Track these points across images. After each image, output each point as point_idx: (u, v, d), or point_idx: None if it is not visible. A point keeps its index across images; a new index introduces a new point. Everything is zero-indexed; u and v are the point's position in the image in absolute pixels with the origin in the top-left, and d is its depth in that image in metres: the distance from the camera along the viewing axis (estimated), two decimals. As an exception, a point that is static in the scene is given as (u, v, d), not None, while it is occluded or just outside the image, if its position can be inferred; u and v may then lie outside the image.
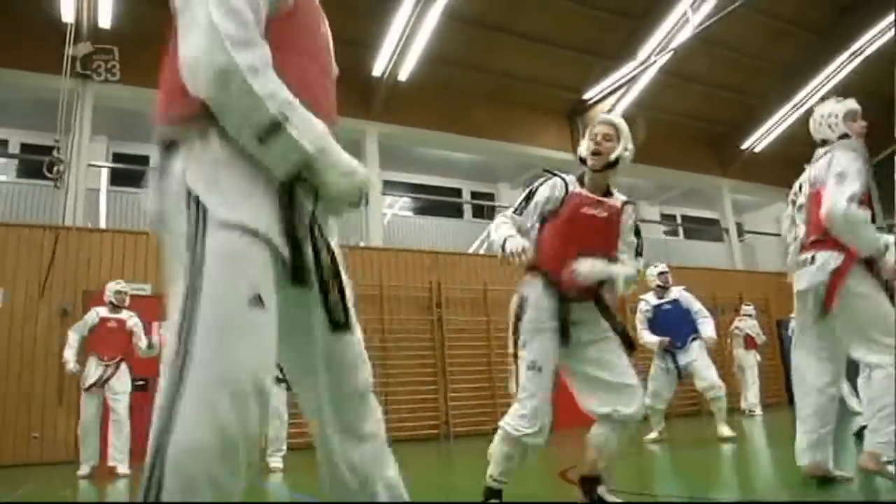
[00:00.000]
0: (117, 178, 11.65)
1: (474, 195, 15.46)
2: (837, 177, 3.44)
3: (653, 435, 7.40)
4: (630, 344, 3.27)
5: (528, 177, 15.52)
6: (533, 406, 3.12)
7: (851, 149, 3.57)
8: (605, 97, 13.52)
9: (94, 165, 10.50)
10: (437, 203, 14.98)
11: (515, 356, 3.25)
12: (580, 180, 3.31)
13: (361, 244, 11.43)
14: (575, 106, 13.86)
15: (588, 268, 3.11)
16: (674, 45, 12.36)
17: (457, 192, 15.37)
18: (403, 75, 11.60)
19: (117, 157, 12.13)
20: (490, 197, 15.47)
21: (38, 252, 9.05)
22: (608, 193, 3.32)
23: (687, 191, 16.76)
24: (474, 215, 15.36)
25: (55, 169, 8.61)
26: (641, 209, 17.43)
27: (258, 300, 1.32)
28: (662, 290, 7.62)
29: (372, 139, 12.10)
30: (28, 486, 6.36)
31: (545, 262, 3.24)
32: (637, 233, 3.38)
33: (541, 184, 3.36)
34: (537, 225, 3.31)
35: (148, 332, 7.48)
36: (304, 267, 1.41)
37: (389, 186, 14.46)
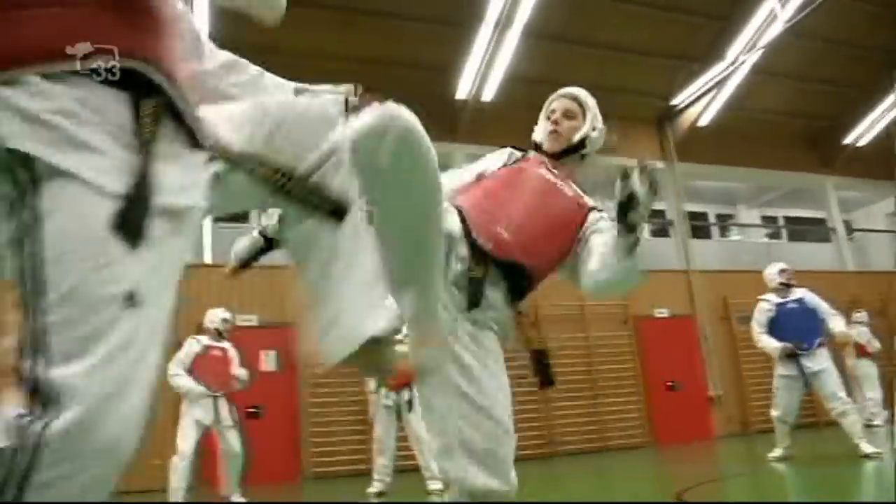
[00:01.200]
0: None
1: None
2: None
3: (778, 452, 6.84)
4: (547, 377, 2.55)
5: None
6: None
7: None
8: (694, 101, 13.19)
9: (198, 205, 11.03)
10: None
11: None
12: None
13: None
14: (664, 113, 13.58)
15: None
16: (763, 42, 11.95)
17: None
18: (487, 96, 11.69)
19: (219, 196, 12.71)
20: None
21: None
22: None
23: (788, 191, 16.09)
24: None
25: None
26: (740, 213, 16.87)
27: None
28: (786, 288, 6.89)
29: (461, 160, 12.21)
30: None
31: (465, 200, 2.37)
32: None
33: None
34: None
35: (255, 362, 7.64)
36: None
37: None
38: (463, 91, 11.65)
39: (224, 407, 6.98)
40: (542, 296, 10.98)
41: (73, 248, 0.95)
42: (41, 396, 0.89)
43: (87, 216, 0.98)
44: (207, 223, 11.82)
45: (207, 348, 7.17)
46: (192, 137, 1.16)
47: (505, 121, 12.18)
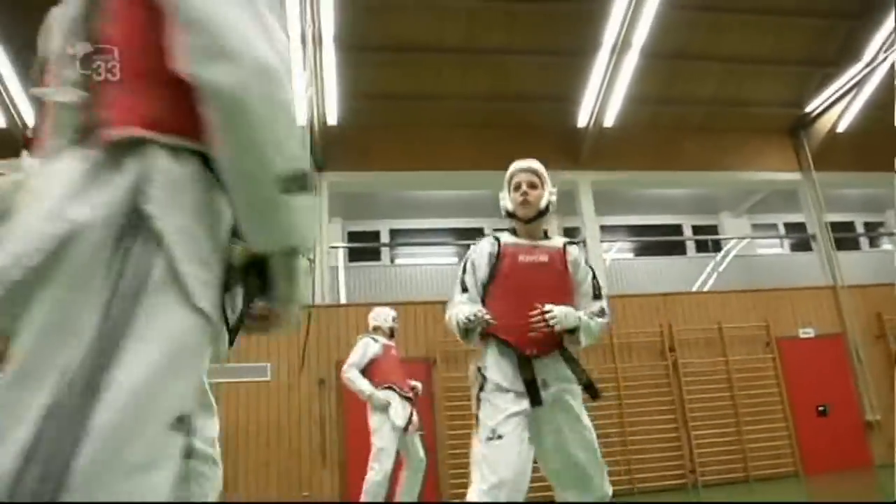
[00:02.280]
0: (352, 255, 12.79)
1: (696, 230, 14.90)
2: None
3: None
4: (594, 392, 3.06)
5: (752, 203, 14.70)
6: (489, 483, 2.78)
7: None
8: (830, 106, 12.50)
9: (333, 247, 11.63)
10: (658, 243, 14.64)
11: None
12: (513, 232, 3.24)
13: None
14: (797, 121, 12.95)
15: (563, 311, 2.96)
16: (905, 38, 11.21)
17: (677, 229, 14.91)
18: (608, 121, 11.63)
19: (351, 237, 13.33)
20: (713, 230, 14.81)
21: (296, 329, 10.14)
22: (546, 238, 3.25)
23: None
24: (698, 250, 14.78)
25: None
26: (889, 221, 15.74)
27: None
28: None
29: (585, 188, 12.19)
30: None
31: (496, 328, 3.03)
32: (592, 274, 3.23)
33: (472, 252, 3.25)
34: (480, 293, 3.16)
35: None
36: None
37: (607, 232, 14.40)
38: (583, 119, 11.65)
39: (413, 409, 6.37)
40: (678, 320, 10.75)
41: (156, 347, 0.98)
42: None
43: (177, 324, 1.01)
44: (341, 264, 12.45)
45: (386, 347, 6.49)
46: None
47: (628, 144, 12.13)
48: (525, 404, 2.93)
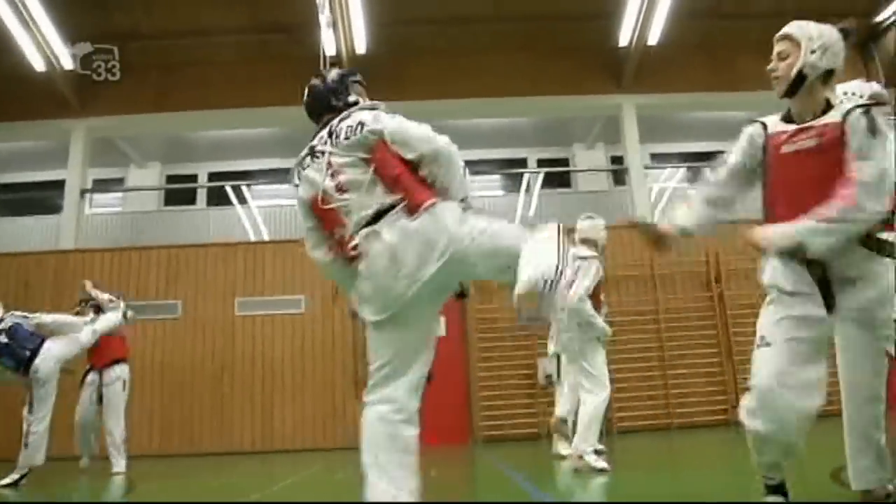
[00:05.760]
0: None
1: (757, 154, 14.02)
2: None
3: None
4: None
5: (819, 124, 13.68)
6: (757, 391, 2.54)
7: None
8: (905, 15, 11.37)
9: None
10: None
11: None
12: (785, 117, 2.70)
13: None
14: (868, 33, 11.84)
15: (775, 233, 2.50)
16: None
17: (736, 154, 14.05)
18: (653, 39, 10.88)
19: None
20: (775, 153, 13.92)
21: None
22: (826, 111, 2.59)
23: None
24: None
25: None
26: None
27: None
28: None
29: (629, 113, 11.57)
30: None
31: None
32: (869, 131, 2.48)
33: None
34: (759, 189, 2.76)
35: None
36: None
37: (658, 159, 13.71)
38: (625, 37, 10.94)
39: None
40: (725, 250, 10.18)
41: None
42: None
43: None
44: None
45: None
46: None
47: (675, 64, 11.39)
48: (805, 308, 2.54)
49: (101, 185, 13.56)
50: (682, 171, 14.10)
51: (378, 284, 2.55)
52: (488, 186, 14.39)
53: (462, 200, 2.56)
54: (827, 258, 2.50)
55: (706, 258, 10.20)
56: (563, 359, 6.31)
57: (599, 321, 5.41)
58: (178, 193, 13.76)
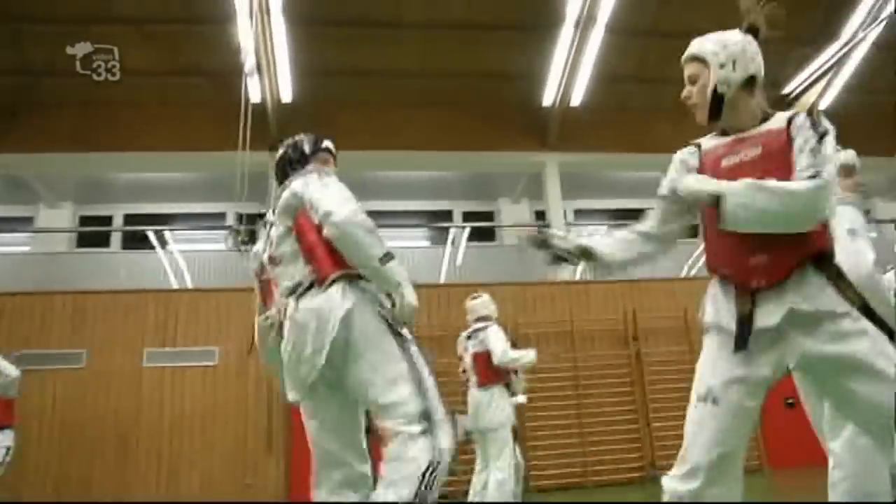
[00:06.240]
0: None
1: (674, 213, 14.47)
2: None
3: None
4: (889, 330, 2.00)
5: (732, 186, 14.25)
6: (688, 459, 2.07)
7: None
8: (809, 86, 12.06)
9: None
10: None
11: None
12: (721, 132, 2.31)
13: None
14: (776, 102, 12.46)
15: (690, 180, 2.10)
16: (884, 14, 10.74)
17: (654, 213, 14.47)
18: (576, 100, 11.21)
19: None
20: (692, 214, 14.40)
21: (245, 313, 9.82)
22: (764, 120, 2.21)
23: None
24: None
25: (238, 238, 9.27)
26: (876, 208, 15.30)
27: None
28: None
29: (552, 171, 11.81)
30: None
31: (709, 259, 2.23)
32: (816, 133, 2.06)
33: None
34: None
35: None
36: None
37: (582, 214, 14.01)
38: (549, 98, 11.23)
39: None
40: (643, 307, 10.35)
41: None
42: None
43: None
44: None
45: None
46: None
47: (597, 125, 11.71)
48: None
49: (7, 225, 12.95)
50: (605, 227, 14.44)
51: (287, 366, 2.53)
52: (414, 237, 14.39)
53: (383, 257, 2.46)
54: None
55: (623, 316, 10.37)
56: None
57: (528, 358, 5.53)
58: (92, 235, 13.25)
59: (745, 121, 2.21)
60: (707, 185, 2.04)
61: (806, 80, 11.93)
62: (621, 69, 11.14)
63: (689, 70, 2.28)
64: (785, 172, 2.04)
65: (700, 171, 2.24)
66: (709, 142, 2.30)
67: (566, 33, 10.31)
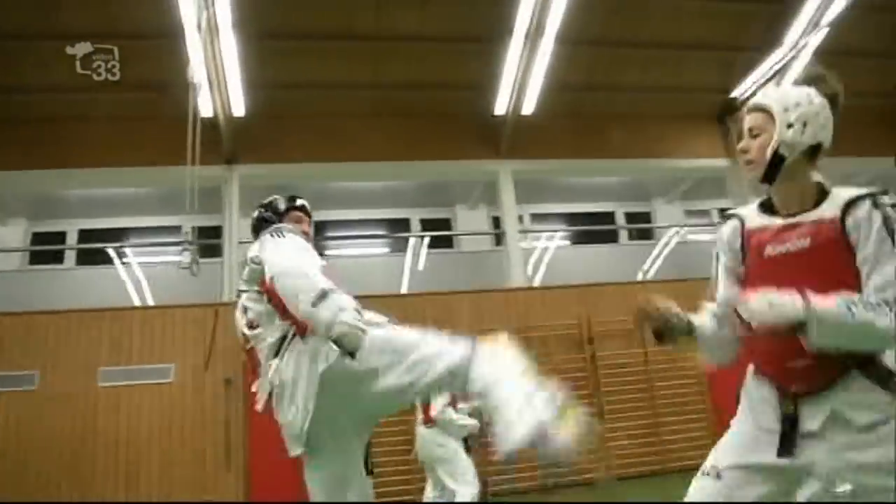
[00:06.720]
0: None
1: (630, 217, 14.71)
2: None
3: None
4: None
5: (684, 189, 14.55)
6: None
7: None
8: (756, 91, 12.32)
9: (243, 242, 11.25)
10: (591, 231, 14.45)
11: None
12: (765, 205, 2.10)
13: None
14: (724, 107, 12.77)
15: (761, 303, 1.80)
16: (826, 20, 11.06)
17: (610, 217, 14.71)
18: (527, 109, 11.34)
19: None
20: (646, 217, 14.64)
21: (201, 329, 9.80)
22: (819, 200, 1.97)
23: (873, 178, 14.78)
24: (630, 238, 14.61)
25: (189, 256, 9.23)
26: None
27: None
28: None
29: (506, 178, 11.93)
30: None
31: (748, 351, 2.11)
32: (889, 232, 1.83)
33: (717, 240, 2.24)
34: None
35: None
36: None
37: (538, 219, 14.18)
38: (501, 107, 11.35)
39: None
40: (598, 312, 10.50)
41: None
42: None
43: None
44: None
45: None
46: None
47: (549, 132, 11.87)
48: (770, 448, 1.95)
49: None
50: (561, 232, 14.65)
51: (282, 422, 2.58)
52: (373, 245, 14.43)
53: (317, 298, 2.32)
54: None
55: (578, 320, 10.53)
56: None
57: (466, 420, 5.63)
58: (45, 252, 13.06)
59: (799, 196, 2.00)
60: (784, 309, 1.76)
61: (753, 84, 12.22)
62: (571, 78, 11.30)
63: (750, 121, 2.05)
64: (834, 269, 1.88)
65: (742, 253, 2.09)
66: (754, 219, 2.09)
67: (516, 44, 10.43)
